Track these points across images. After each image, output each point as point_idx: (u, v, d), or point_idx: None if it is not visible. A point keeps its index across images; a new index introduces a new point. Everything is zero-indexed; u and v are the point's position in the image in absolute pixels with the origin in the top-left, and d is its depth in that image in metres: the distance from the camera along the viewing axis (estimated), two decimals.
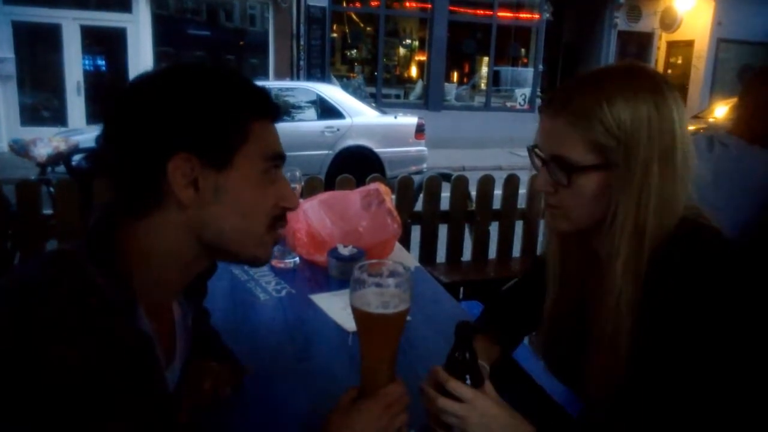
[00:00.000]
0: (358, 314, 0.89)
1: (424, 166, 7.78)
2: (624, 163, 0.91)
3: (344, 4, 12.01)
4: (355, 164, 6.84)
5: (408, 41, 13.12)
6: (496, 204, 3.46)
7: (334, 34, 12.13)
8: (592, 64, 13.93)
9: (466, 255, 3.49)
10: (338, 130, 7.52)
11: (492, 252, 3.50)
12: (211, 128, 0.75)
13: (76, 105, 10.09)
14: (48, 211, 2.97)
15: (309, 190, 2.85)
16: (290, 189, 0.87)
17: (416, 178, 3.55)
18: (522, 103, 13.12)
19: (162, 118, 0.74)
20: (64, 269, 0.68)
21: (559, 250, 1.10)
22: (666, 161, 0.91)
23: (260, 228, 0.82)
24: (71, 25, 9.93)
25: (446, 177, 3.53)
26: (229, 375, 1.09)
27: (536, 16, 12.87)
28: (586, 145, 0.92)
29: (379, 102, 11.13)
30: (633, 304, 0.92)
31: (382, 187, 2.05)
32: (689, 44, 13.88)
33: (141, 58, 9.93)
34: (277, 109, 0.85)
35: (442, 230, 3.35)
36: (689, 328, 0.87)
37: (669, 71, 14.36)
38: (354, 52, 12.78)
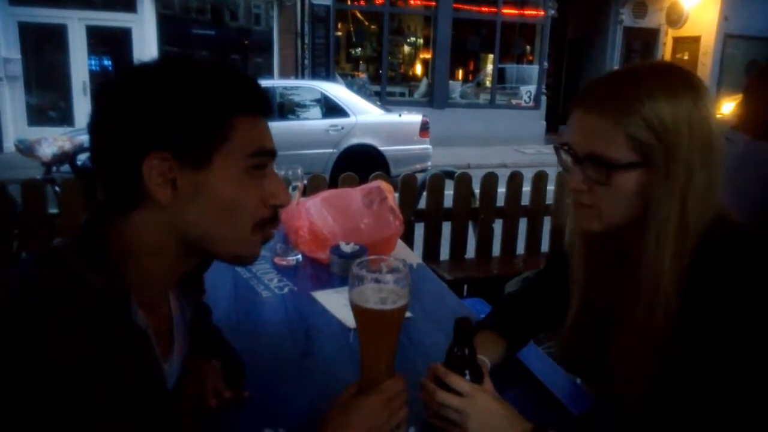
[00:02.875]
0: (357, 310, 0.89)
1: (429, 164, 7.77)
2: (666, 161, 0.88)
3: (348, 2, 11.99)
4: (360, 162, 6.85)
5: (412, 39, 13.09)
6: (500, 201, 3.46)
7: (339, 33, 12.12)
8: (598, 61, 13.89)
9: (470, 252, 3.50)
10: (343, 128, 7.53)
11: (496, 249, 3.50)
12: (187, 126, 0.73)
13: (82, 105, 10.13)
14: (53, 211, 3.00)
15: (313, 189, 2.86)
16: (281, 185, 0.83)
17: (420, 176, 3.55)
18: (527, 100, 13.07)
19: (136, 117, 0.72)
20: (55, 267, 0.68)
21: (584, 251, 1.07)
22: (705, 158, 0.90)
23: (244, 228, 0.79)
24: (77, 25, 9.98)
25: (450, 175, 3.53)
26: (229, 373, 1.10)
27: (541, 12, 12.82)
28: (626, 142, 0.89)
29: (383, 100, 11.12)
30: (674, 305, 0.90)
31: (384, 185, 2.05)
32: (696, 40, 13.79)
33: (146, 57, 9.94)
34: (264, 103, 0.81)
35: (446, 228, 3.35)
36: (738, 332, 0.85)
37: None
38: (358, 50, 12.76)
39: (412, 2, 12.38)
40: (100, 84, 0.76)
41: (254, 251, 0.83)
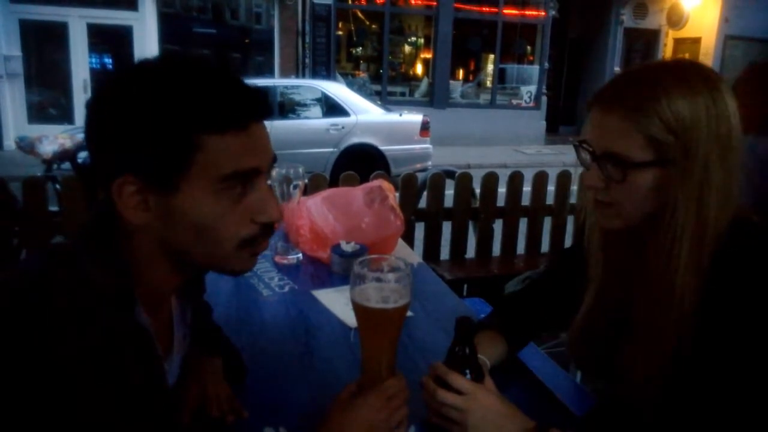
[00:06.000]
0: (358, 309, 0.90)
1: (429, 163, 7.77)
2: (683, 159, 0.87)
3: (349, 2, 11.98)
4: (360, 162, 6.86)
5: (413, 39, 13.08)
6: (500, 201, 3.46)
7: (340, 32, 12.11)
8: (599, 62, 13.89)
9: (470, 252, 3.50)
10: (343, 127, 7.53)
11: (496, 249, 3.50)
12: (145, 151, 0.68)
13: (82, 103, 9.94)
14: (54, 208, 2.99)
15: (313, 188, 2.86)
16: (271, 199, 0.76)
17: (420, 176, 3.55)
18: (528, 100, 13.07)
19: (99, 140, 0.70)
20: (60, 265, 0.68)
21: (603, 247, 1.06)
22: (724, 156, 0.88)
23: (227, 248, 0.74)
24: (78, 23, 9.97)
25: (450, 174, 3.53)
26: (231, 372, 1.10)
27: (542, 13, 12.82)
28: (642, 141, 0.89)
29: (384, 99, 11.12)
30: (691, 307, 0.88)
31: (385, 184, 2.05)
32: (696, 41, 13.79)
33: (146, 56, 9.93)
34: (248, 111, 0.72)
35: (446, 227, 3.36)
36: (758, 339, 0.84)
37: None
38: (359, 49, 12.75)
39: (413, 2, 12.37)
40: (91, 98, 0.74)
41: (245, 266, 0.79)
